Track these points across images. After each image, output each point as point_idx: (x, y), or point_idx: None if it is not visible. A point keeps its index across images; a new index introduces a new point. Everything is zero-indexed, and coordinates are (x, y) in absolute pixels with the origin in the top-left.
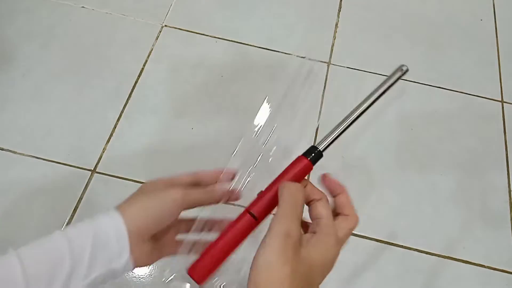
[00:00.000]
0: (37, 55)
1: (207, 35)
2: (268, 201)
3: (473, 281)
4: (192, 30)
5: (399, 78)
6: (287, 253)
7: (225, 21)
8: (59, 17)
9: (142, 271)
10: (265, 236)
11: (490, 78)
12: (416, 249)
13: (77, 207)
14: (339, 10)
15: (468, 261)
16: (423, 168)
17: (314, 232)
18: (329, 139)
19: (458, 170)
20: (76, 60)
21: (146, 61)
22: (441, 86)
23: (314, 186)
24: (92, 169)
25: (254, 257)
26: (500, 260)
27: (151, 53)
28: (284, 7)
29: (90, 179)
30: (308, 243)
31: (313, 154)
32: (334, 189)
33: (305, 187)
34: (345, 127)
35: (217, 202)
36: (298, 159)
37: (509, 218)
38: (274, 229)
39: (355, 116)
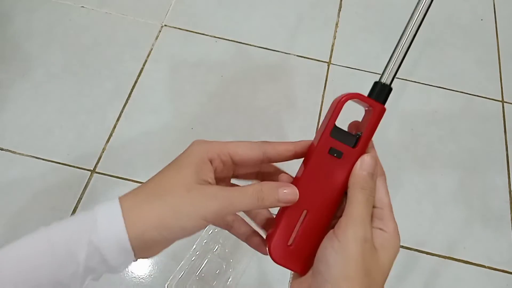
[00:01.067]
0: (37, 55)
1: (207, 35)
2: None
3: (474, 281)
4: (192, 30)
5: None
6: (366, 262)
7: (225, 21)
8: (59, 17)
9: (142, 272)
10: (338, 239)
11: (490, 78)
12: (416, 249)
13: (77, 207)
14: (339, 10)
15: (468, 261)
16: (423, 168)
17: (381, 229)
18: (394, 65)
19: (459, 170)
20: (75, 60)
21: (146, 60)
22: (441, 86)
23: (376, 153)
24: (92, 169)
25: (326, 259)
26: (500, 260)
27: (151, 53)
28: (284, 7)
29: (90, 179)
30: (382, 247)
31: (380, 92)
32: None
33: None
34: (408, 43)
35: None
36: (376, 109)
37: (510, 218)
38: (351, 234)
39: (416, 26)
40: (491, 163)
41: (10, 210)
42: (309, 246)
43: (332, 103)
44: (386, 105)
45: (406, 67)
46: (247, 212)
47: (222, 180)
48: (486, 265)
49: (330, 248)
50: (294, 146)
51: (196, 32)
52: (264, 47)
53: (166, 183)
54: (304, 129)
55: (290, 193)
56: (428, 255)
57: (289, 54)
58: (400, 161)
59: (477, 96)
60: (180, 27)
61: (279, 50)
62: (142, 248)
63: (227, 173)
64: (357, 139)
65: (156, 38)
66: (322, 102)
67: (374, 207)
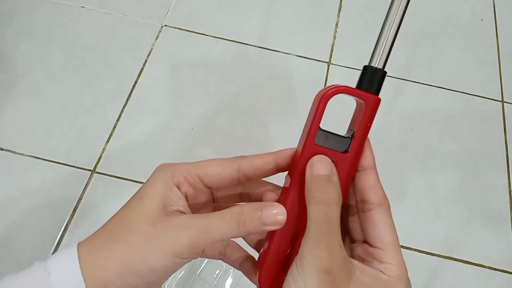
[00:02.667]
0: (37, 55)
1: (207, 35)
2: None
3: (474, 281)
4: (192, 30)
5: None
6: None
7: (225, 21)
8: (59, 17)
9: None
10: (296, 266)
11: (490, 78)
12: (416, 249)
13: (77, 207)
14: (339, 10)
15: (468, 261)
16: (423, 168)
17: (381, 271)
18: (385, 44)
19: (458, 170)
20: (76, 60)
21: (146, 61)
22: (441, 86)
23: (372, 155)
24: (92, 169)
25: None
26: (500, 260)
27: (151, 53)
28: (284, 7)
29: (89, 179)
30: (360, 282)
31: (371, 80)
32: (362, 157)
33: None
34: (402, 11)
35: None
36: (367, 99)
37: (510, 218)
38: (308, 263)
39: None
40: (491, 163)
41: (10, 210)
42: None
43: (314, 99)
44: (386, 104)
45: (406, 67)
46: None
47: (202, 207)
48: (486, 265)
49: (290, 277)
50: (275, 158)
51: (196, 32)
52: (264, 47)
53: (127, 220)
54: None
55: (276, 213)
56: (428, 255)
57: (289, 54)
58: (400, 161)
59: (477, 96)
60: (180, 27)
61: (279, 50)
62: None
63: (204, 198)
64: (350, 142)
65: (156, 38)
66: None
67: (372, 246)
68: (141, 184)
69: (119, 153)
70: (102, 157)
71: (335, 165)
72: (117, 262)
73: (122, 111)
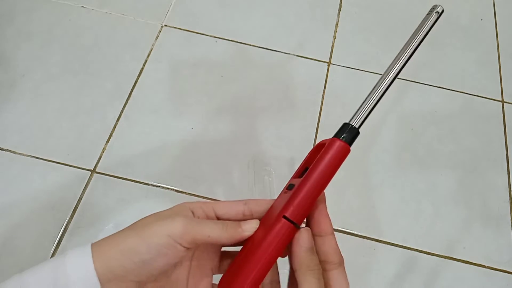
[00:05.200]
0: (37, 55)
1: (207, 35)
2: (305, 203)
3: (473, 281)
4: (192, 30)
5: (434, 23)
6: None
7: (225, 21)
8: (59, 17)
9: None
10: None
11: (490, 78)
12: (416, 249)
13: (77, 207)
14: (339, 10)
15: (468, 261)
16: (423, 168)
17: None
18: (365, 110)
19: (458, 170)
20: (75, 60)
21: (146, 61)
22: (441, 86)
23: (325, 212)
24: (92, 169)
25: None
26: (500, 260)
27: (151, 53)
28: (284, 7)
29: (89, 179)
30: None
31: (345, 133)
32: (322, 224)
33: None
34: (382, 91)
35: (239, 243)
36: (330, 142)
37: (510, 218)
38: None
39: (392, 76)
40: (491, 163)
41: (10, 210)
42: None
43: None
44: (386, 104)
45: (406, 67)
46: None
47: None
48: (486, 265)
49: None
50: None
51: (196, 32)
52: (264, 47)
53: (140, 223)
54: (304, 129)
55: (250, 222)
56: (428, 255)
57: (289, 54)
58: (400, 161)
59: (477, 96)
60: (180, 27)
61: (279, 50)
62: (110, 277)
63: None
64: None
65: (156, 38)
66: (322, 102)
67: None
68: (141, 184)
69: (119, 153)
70: (102, 157)
71: (294, 186)
72: (122, 242)
73: (122, 111)
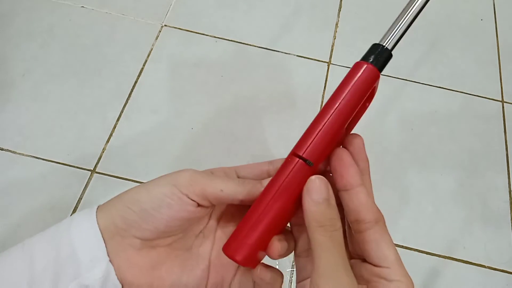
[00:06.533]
0: (37, 55)
1: (207, 35)
2: (324, 138)
3: (473, 281)
4: (192, 30)
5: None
6: None
7: (225, 21)
8: (59, 17)
9: None
10: None
11: (490, 78)
12: (416, 249)
13: (77, 207)
14: (339, 10)
15: (468, 261)
16: (423, 168)
17: (378, 284)
18: (399, 28)
19: (458, 170)
20: (76, 60)
21: (146, 60)
22: (441, 86)
23: (370, 182)
24: (92, 169)
25: None
26: (500, 260)
27: (151, 53)
28: (284, 6)
29: (89, 179)
30: None
31: (375, 55)
32: (345, 175)
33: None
34: (421, 4)
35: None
36: (355, 66)
37: (509, 218)
38: None
39: None
40: (491, 163)
41: (10, 210)
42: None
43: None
44: (386, 104)
45: (406, 67)
46: None
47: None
48: (486, 265)
49: None
50: (270, 163)
51: (196, 32)
52: (264, 47)
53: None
54: (304, 129)
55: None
56: (428, 255)
57: (289, 54)
58: (400, 161)
59: (477, 96)
60: (180, 27)
61: (279, 50)
62: (113, 231)
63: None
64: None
65: (156, 38)
66: (322, 102)
67: (377, 266)
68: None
69: (119, 153)
70: (102, 157)
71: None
72: (125, 194)
73: (122, 111)
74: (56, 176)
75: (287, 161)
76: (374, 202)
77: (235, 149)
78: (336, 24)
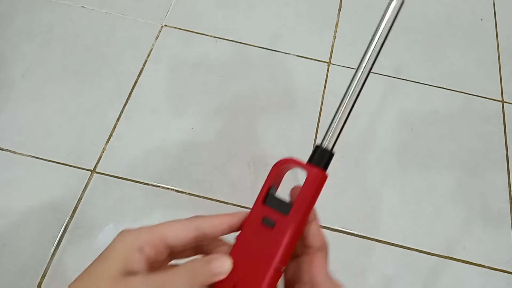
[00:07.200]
0: (37, 55)
1: (207, 35)
2: (293, 245)
3: (473, 281)
4: (192, 30)
5: (396, 15)
6: None
7: (225, 21)
8: (59, 17)
9: None
10: None
11: (490, 78)
12: (416, 249)
13: (77, 207)
14: (339, 10)
15: (468, 261)
16: (423, 168)
17: None
18: (335, 130)
19: (458, 170)
20: (76, 60)
21: (146, 61)
22: (441, 86)
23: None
24: (92, 169)
25: None
26: (500, 260)
27: (151, 53)
28: (284, 7)
29: (90, 179)
30: None
31: (320, 158)
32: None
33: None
34: (349, 107)
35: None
36: (309, 175)
37: (509, 218)
38: None
39: (357, 90)
40: (491, 163)
41: (10, 210)
42: None
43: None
44: (386, 104)
45: (406, 67)
46: None
47: (161, 264)
48: (486, 265)
49: None
50: (230, 219)
51: (196, 32)
52: (264, 47)
53: (91, 282)
54: (304, 129)
55: (221, 265)
56: (428, 255)
57: (289, 54)
58: (400, 161)
59: (477, 96)
60: (180, 27)
61: (279, 50)
62: None
63: (163, 256)
64: (290, 207)
65: (156, 38)
66: (322, 102)
67: (302, 282)
68: (142, 184)
69: (119, 153)
70: (102, 157)
71: (276, 224)
72: (93, 265)
73: (122, 111)
74: (56, 176)
75: (272, 277)
76: (323, 234)
77: (235, 149)
78: (336, 24)
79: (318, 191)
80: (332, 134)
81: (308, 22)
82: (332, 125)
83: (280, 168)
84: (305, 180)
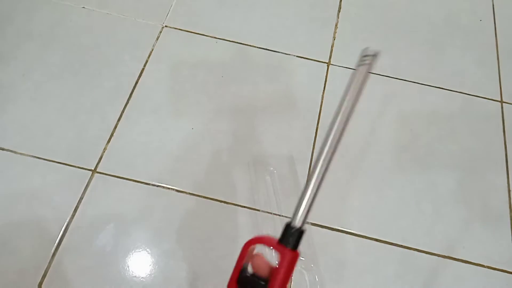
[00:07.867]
0: (37, 55)
1: (207, 35)
2: None
3: (473, 281)
4: (192, 31)
5: (368, 72)
6: None
7: (225, 21)
8: (59, 17)
9: (143, 272)
10: None
11: (489, 78)
12: (416, 249)
13: (77, 207)
14: (339, 11)
15: (468, 261)
16: (423, 168)
17: None
18: (304, 208)
19: (458, 170)
20: (76, 60)
21: (147, 61)
22: (441, 86)
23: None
24: (93, 169)
25: None
26: (500, 260)
27: (152, 54)
28: (284, 7)
29: (90, 179)
30: None
31: (292, 238)
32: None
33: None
34: (317, 184)
35: None
36: (283, 253)
37: (509, 218)
38: None
39: (324, 166)
40: (490, 163)
41: (10, 210)
42: None
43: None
44: (385, 104)
45: (406, 67)
46: None
47: None
48: (486, 265)
49: None
50: None
51: (196, 33)
52: (264, 47)
53: None
54: (304, 129)
55: None
56: (428, 255)
57: (289, 54)
58: (400, 161)
59: (477, 96)
60: (180, 28)
61: (279, 50)
62: None
63: None
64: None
65: (157, 39)
66: (322, 102)
67: None
68: (142, 184)
69: (119, 153)
70: (103, 157)
71: None
72: None
73: (123, 111)
74: (56, 176)
75: None
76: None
77: (235, 149)
78: (336, 25)
79: (291, 270)
80: (302, 213)
81: (308, 23)
82: (301, 204)
83: (250, 249)
84: (279, 262)
